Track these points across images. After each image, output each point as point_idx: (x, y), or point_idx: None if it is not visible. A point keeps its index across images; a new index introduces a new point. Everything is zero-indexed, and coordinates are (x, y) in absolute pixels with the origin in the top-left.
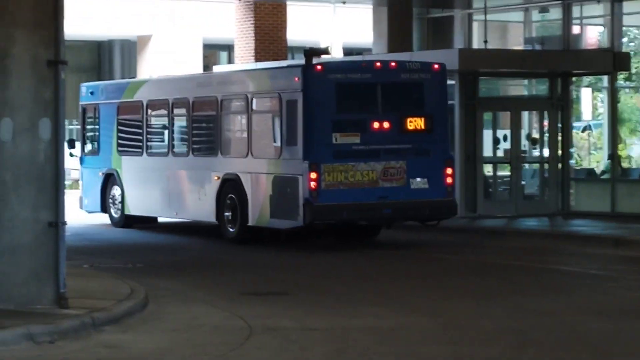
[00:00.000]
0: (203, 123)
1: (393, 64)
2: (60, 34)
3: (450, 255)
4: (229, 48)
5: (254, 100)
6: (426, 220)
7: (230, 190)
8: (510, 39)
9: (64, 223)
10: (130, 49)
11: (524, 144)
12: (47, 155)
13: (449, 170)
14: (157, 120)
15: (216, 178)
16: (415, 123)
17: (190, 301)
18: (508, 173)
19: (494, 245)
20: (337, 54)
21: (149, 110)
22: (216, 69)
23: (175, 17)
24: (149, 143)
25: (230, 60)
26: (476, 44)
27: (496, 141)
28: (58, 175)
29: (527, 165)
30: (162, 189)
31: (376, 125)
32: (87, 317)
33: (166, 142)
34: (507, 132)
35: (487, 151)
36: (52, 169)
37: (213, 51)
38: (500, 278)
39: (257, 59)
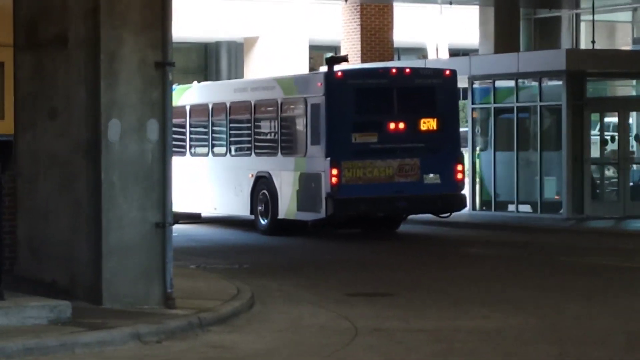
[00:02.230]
0: (239, 125)
1: (407, 70)
2: (168, 35)
3: (558, 257)
4: (335, 49)
5: (283, 104)
6: (438, 213)
7: (263, 187)
8: (618, 39)
9: (171, 223)
10: (236, 51)
11: (632, 144)
12: (155, 156)
13: (459, 167)
14: (199, 123)
15: (250, 176)
16: (428, 124)
17: (296, 301)
18: (615, 174)
19: (602, 247)
20: (443, 55)
21: (192, 114)
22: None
23: (282, 19)
24: (191, 144)
25: None
26: (583, 44)
27: (604, 142)
28: (165, 176)
29: (634, 166)
30: (203, 187)
31: (392, 126)
32: (194, 317)
33: (207, 144)
34: (615, 133)
35: (595, 152)
36: (160, 170)
37: (319, 52)
38: (609, 279)
39: (363, 60)
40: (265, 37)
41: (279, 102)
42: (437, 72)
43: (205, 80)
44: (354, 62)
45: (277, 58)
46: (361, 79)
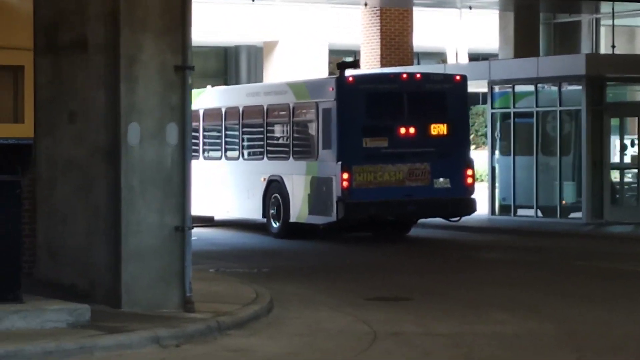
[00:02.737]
0: (251, 129)
1: (418, 75)
2: (187, 39)
3: (577, 262)
4: (354, 54)
5: (295, 108)
6: (448, 217)
7: (275, 190)
8: (638, 44)
9: (191, 227)
10: (256, 55)
11: None
12: (174, 160)
13: (469, 172)
14: (212, 127)
15: (262, 179)
16: (439, 129)
17: (315, 306)
18: (635, 179)
19: (621, 252)
20: (463, 59)
21: (205, 118)
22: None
23: (302, 23)
24: (205, 148)
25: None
26: (603, 49)
27: (623, 147)
28: (185, 180)
29: None
30: (216, 190)
31: (402, 130)
32: (213, 321)
33: (220, 147)
34: (635, 137)
35: (615, 157)
36: (179, 174)
37: (339, 57)
38: (628, 285)
39: (383, 65)
40: (284, 41)
41: (291, 107)
42: (448, 78)
43: (225, 84)
44: (374, 67)
45: (297, 62)
46: (372, 84)
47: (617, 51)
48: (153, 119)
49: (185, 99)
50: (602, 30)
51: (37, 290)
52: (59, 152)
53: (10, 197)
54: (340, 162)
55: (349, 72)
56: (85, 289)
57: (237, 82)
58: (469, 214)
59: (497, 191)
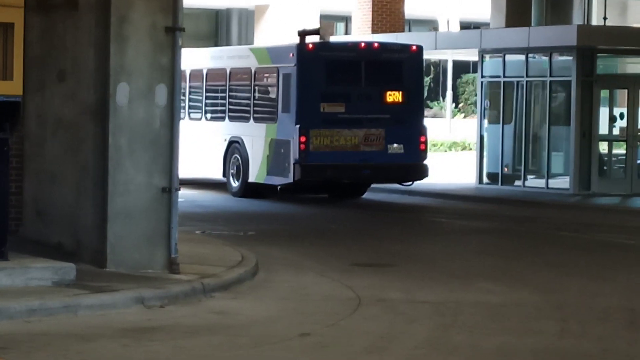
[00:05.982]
0: (214, 92)
1: (376, 44)
2: (178, 0)
3: (563, 232)
4: (346, 19)
5: (256, 72)
6: (401, 181)
7: (235, 151)
8: (630, 16)
9: (178, 189)
10: (247, 18)
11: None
12: (163, 121)
13: (422, 138)
14: None
15: (223, 140)
16: (394, 96)
17: (301, 270)
18: (623, 151)
19: (608, 224)
20: (454, 28)
21: None
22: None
23: None
24: None
25: (347, 32)
26: (595, 20)
27: (612, 119)
28: (173, 141)
29: None
30: (180, 149)
31: (359, 97)
32: (198, 283)
33: (184, 108)
34: (624, 110)
35: (603, 129)
36: (167, 135)
37: (330, 22)
38: (613, 256)
39: (374, 31)
40: (276, 5)
41: (253, 71)
42: (404, 48)
43: (216, 46)
44: (365, 33)
45: (287, 27)
46: (331, 52)
47: (608, 23)
48: (142, 80)
49: (175, 61)
50: (594, 1)
51: (23, 248)
52: (49, 111)
53: None
54: (298, 126)
55: (310, 40)
56: (71, 247)
57: (227, 45)
58: (421, 179)
59: (485, 160)
